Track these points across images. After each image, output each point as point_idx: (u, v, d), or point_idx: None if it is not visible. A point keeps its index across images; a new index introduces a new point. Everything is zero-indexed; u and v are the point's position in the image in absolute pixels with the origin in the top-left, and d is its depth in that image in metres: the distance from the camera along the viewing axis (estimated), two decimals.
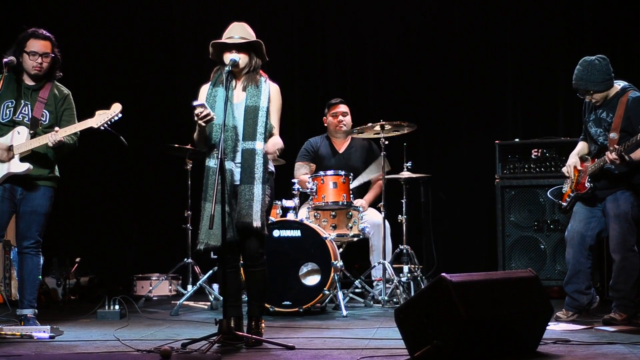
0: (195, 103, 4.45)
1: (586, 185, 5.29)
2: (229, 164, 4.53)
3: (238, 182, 4.55)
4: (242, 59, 4.61)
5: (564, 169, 5.50)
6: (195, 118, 4.43)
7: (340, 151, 7.17)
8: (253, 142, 4.55)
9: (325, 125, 7.22)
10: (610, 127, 5.13)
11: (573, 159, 5.45)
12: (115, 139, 5.10)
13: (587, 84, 5.16)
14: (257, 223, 4.49)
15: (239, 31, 4.67)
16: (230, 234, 4.49)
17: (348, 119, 7.13)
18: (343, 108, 7.14)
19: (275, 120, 4.67)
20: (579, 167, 5.40)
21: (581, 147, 5.49)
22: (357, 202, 6.64)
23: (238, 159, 4.57)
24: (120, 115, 5.00)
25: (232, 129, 4.54)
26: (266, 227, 4.58)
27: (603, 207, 5.28)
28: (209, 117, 4.42)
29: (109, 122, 4.99)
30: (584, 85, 5.17)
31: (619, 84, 5.24)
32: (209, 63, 4.81)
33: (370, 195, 7.04)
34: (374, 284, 6.67)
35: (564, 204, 5.49)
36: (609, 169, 5.17)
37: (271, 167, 4.72)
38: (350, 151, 7.16)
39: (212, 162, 4.57)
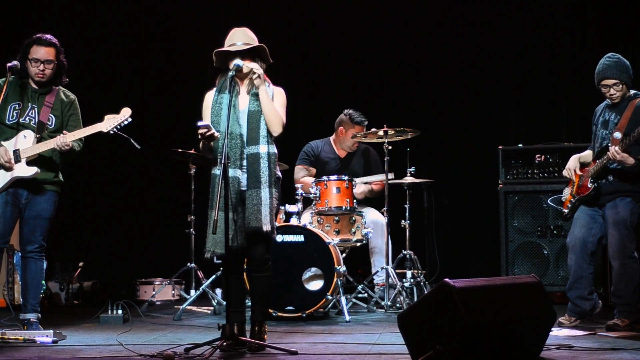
0: (200, 123, 4.47)
1: (589, 186, 5.28)
2: (235, 172, 4.52)
3: (245, 188, 4.55)
4: (246, 64, 4.61)
5: (565, 172, 5.50)
6: (199, 137, 4.47)
7: (342, 156, 7.17)
8: (256, 146, 4.56)
9: (340, 135, 7.10)
10: (616, 127, 5.14)
11: (573, 162, 5.46)
12: (127, 143, 5.11)
13: (622, 74, 5.19)
14: (266, 227, 4.49)
15: (241, 37, 4.67)
16: (237, 241, 4.49)
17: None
18: (365, 130, 7.05)
19: (282, 115, 4.66)
20: (579, 172, 5.40)
21: (587, 153, 5.49)
22: (357, 180, 6.57)
23: (244, 165, 4.58)
24: (129, 119, 5.02)
25: (238, 136, 4.55)
26: (275, 230, 4.59)
27: (603, 213, 5.28)
28: (212, 138, 4.45)
29: (118, 127, 5.01)
30: (618, 75, 5.18)
31: (631, 91, 5.27)
32: (212, 68, 4.82)
33: (368, 186, 6.98)
34: (376, 289, 6.66)
35: (565, 210, 5.50)
36: (613, 168, 5.16)
37: (278, 173, 4.72)
38: (352, 156, 7.16)
39: (217, 171, 4.57)
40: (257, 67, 4.57)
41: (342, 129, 7.09)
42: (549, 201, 5.86)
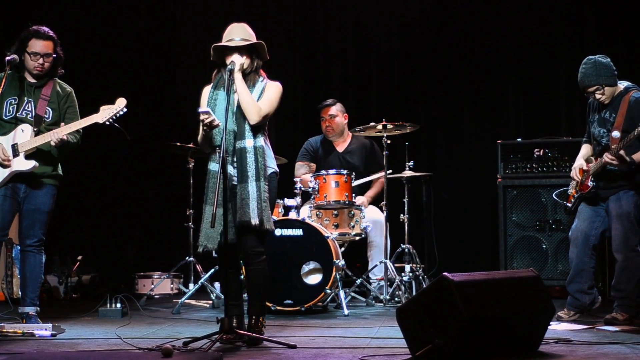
0: (200, 110, 4.46)
1: (589, 184, 5.29)
2: (229, 167, 4.52)
3: (236, 183, 4.56)
4: (244, 60, 4.60)
5: (572, 173, 5.48)
6: (201, 125, 4.46)
7: (340, 150, 7.17)
8: (243, 140, 4.55)
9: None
10: (613, 126, 5.14)
11: (579, 162, 5.44)
12: (119, 133, 5.10)
13: (599, 79, 5.15)
14: (254, 220, 4.48)
15: (239, 32, 4.66)
16: (230, 235, 4.49)
17: (337, 120, 7.12)
18: (331, 111, 7.11)
19: (264, 104, 4.59)
20: (585, 168, 5.39)
21: (585, 150, 5.48)
22: (358, 200, 6.64)
23: (235, 160, 4.57)
24: (125, 110, 4.99)
25: (232, 132, 4.55)
26: (267, 223, 4.53)
27: (606, 206, 5.28)
28: (214, 124, 4.43)
29: (114, 117, 4.99)
30: (596, 81, 5.16)
31: (622, 84, 5.25)
32: (211, 62, 4.81)
33: (371, 192, 7.03)
34: (375, 283, 6.66)
35: (569, 205, 5.49)
36: (611, 169, 5.17)
37: (274, 167, 4.71)
38: (350, 150, 7.16)
39: (212, 165, 4.59)
40: (237, 58, 4.55)
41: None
42: (553, 195, 5.87)
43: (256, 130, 4.58)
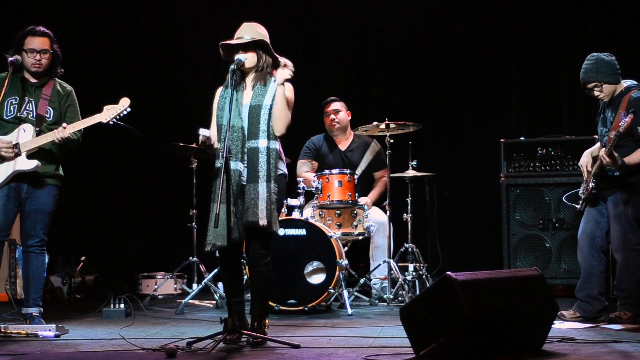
0: (201, 132, 4.60)
1: (589, 187, 5.28)
2: (237, 165, 4.54)
3: (245, 182, 4.56)
4: (249, 58, 4.63)
5: (580, 165, 5.47)
6: (200, 144, 4.62)
7: (342, 148, 7.17)
8: (256, 140, 4.58)
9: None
10: (612, 125, 5.13)
11: (585, 158, 5.42)
12: (128, 132, 5.11)
13: (598, 75, 5.15)
14: (263, 221, 4.49)
15: (248, 31, 4.70)
16: (236, 233, 4.50)
17: (341, 115, 7.12)
18: (334, 106, 7.13)
19: (289, 115, 4.69)
20: (589, 169, 5.38)
21: (597, 146, 5.47)
22: (362, 200, 6.64)
23: (245, 159, 4.58)
24: (129, 109, 5.01)
25: (240, 129, 4.57)
26: (275, 225, 4.57)
27: (606, 207, 5.27)
28: (207, 143, 4.63)
29: (117, 117, 5.00)
30: (595, 77, 5.16)
31: (625, 82, 5.24)
32: (214, 62, 4.84)
33: (374, 194, 7.04)
34: (378, 282, 6.66)
35: (578, 207, 5.45)
36: (608, 170, 5.16)
37: (283, 169, 4.72)
38: (352, 148, 7.16)
39: (219, 163, 4.60)
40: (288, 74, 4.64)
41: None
42: (563, 198, 5.87)
43: (271, 132, 4.61)
